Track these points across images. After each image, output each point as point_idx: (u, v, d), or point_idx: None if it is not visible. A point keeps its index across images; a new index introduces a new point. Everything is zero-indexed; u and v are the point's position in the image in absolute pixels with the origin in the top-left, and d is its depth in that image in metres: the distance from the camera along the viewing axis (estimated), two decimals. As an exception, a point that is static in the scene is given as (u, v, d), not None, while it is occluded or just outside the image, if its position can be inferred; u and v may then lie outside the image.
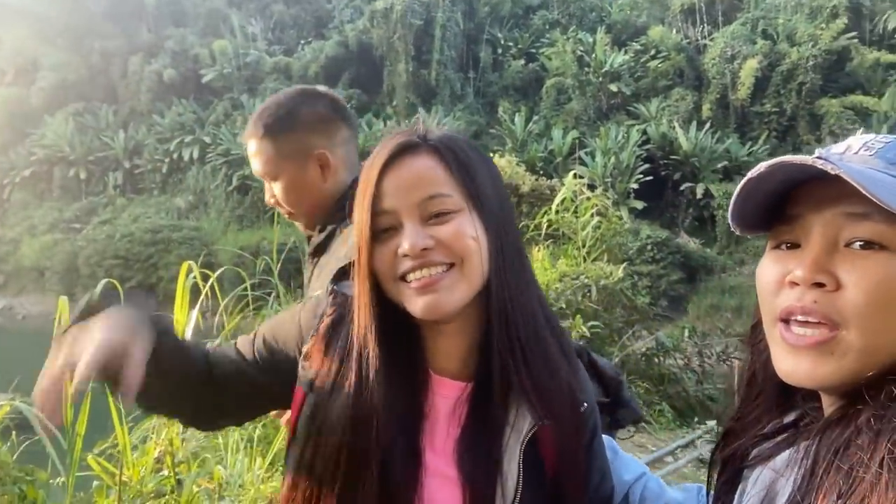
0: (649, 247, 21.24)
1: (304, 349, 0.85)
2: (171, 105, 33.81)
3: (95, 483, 2.89)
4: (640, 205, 23.11)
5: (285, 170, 1.44)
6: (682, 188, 24.83)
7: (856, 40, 25.09)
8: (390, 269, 0.78)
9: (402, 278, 0.77)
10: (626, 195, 23.34)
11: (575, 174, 22.62)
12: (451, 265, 0.77)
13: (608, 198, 6.45)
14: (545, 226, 5.33)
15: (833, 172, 0.57)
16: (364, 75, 32.01)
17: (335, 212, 1.45)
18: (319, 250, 1.48)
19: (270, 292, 6.39)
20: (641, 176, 24.03)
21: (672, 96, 27.17)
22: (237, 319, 5.26)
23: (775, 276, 0.65)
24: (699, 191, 24.23)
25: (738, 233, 0.71)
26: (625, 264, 5.32)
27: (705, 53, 27.59)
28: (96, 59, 33.85)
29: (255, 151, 1.47)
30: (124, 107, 34.55)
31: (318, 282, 1.42)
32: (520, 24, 32.51)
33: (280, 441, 3.71)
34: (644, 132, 25.69)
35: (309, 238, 1.54)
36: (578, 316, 4.51)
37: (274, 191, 1.48)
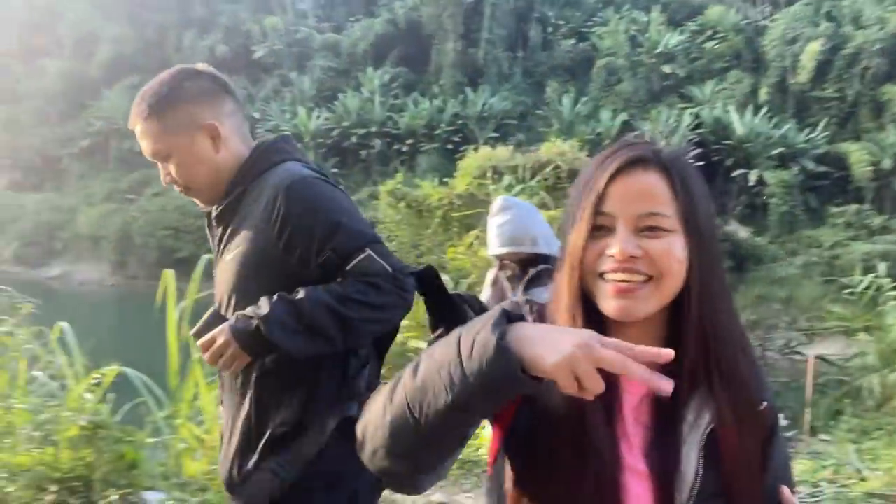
0: (698, 234, 20.86)
1: None
2: (222, 80, 34.37)
3: (182, 446, 3.03)
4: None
5: (176, 146, 1.43)
6: (734, 174, 24.21)
7: (927, 24, 23.93)
8: (593, 265, 0.83)
9: (601, 275, 0.82)
10: (676, 180, 22.92)
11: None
12: (651, 278, 0.80)
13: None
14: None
15: None
16: (412, 54, 31.94)
17: (240, 177, 1.45)
18: (228, 213, 1.47)
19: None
20: (692, 161, 23.46)
21: (728, 79, 26.43)
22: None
23: None
24: (752, 177, 23.62)
25: None
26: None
27: (765, 35, 26.69)
28: (151, 32, 34.58)
29: (141, 133, 1.44)
30: (178, 81, 35.24)
31: (234, 244, 1.43)
32: (571, 2, 31.93)
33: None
34: (697, 115, 25.09)
35: (208, 214, 1.52)
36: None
37: (169, 170, 1.46)
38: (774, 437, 0.89)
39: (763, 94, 25.59)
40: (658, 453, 0.82)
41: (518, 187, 5.72)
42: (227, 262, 1.45)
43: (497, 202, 2.50)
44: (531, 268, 2.34)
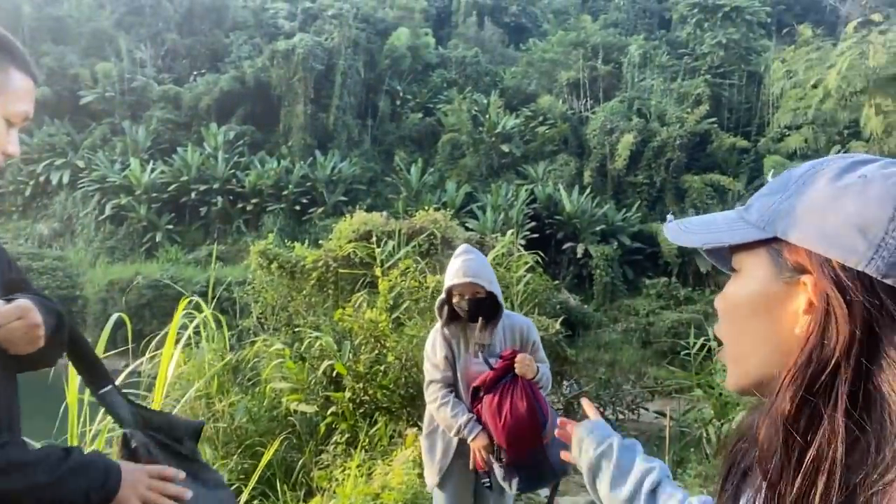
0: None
1: None
2: (42, 124, 31.39)
3: None
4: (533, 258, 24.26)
5: None
6: (564, 247, 26.36)
7: (716, 125, 28.33)
8: None
9: None
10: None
11: (466, 227, 23.15)
12: None
13: (539, 255, 6.92)
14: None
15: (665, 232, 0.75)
16: (260, 113, 31.55)
17: None
18: None
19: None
20: (528, 233, 25.29)
21: (557, 161, 29.06)
22: (175, 358, 5.09)
23: None
24: (580, 250, 25.85)
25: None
26: (562, 318, 5.76)
27: (587, 125, 29.90)
28: (-42, 66, 30.92)
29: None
30: (-14, 121, 31.60)
31: None
32: (419, 79, 33.63)
33: (250, 488, 3.66)
34: (532, 192, 27.17)
35: None
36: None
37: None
38: None
39: (587, 176, 28.43)
40: None
41: (401, 252, 5.94)
42: None
43: (462, 246, 2.94)
44: (478, 305, 2.65)
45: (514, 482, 2.58)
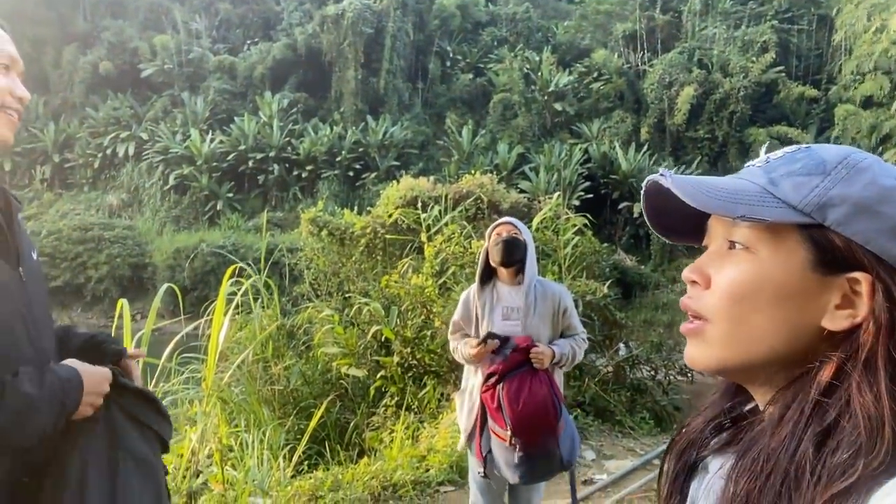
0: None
1: None
2: (106, 98, 32.52)
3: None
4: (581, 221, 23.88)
5: None
6: (620, 207, 25.79)
7: (783, 74, 26.87)
8: None
9: None
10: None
11: (519, 188, 22.90)
12: None
13: (588, 218, 6.80)
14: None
15: (664, 184, 0.65)
16: (311, 80, 31.76)
17: None
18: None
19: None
20: (582, 193, 24.83)
21: (613, 118, 28.25)
22: (226, 322, 5.26)
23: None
24: (636, 210, 25.22)
25: (669, 241, 0.76)
26: (609, 282, 5.68)
27: (644, 79, 28.86)
28: (27, 46, 32.18)
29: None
30: (55, 98, 32.97)
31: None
32: (469, 38, 33.08)
33: (302, 447, 3.81)
34: (586, 151, 26.58)
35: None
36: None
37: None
38: None
39: (644, 132, 27.56)
40: None
41: (446, 217, 5.94)
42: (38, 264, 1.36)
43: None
44: (514, 249, 2.73)
45: (520, 472, 2.54)
